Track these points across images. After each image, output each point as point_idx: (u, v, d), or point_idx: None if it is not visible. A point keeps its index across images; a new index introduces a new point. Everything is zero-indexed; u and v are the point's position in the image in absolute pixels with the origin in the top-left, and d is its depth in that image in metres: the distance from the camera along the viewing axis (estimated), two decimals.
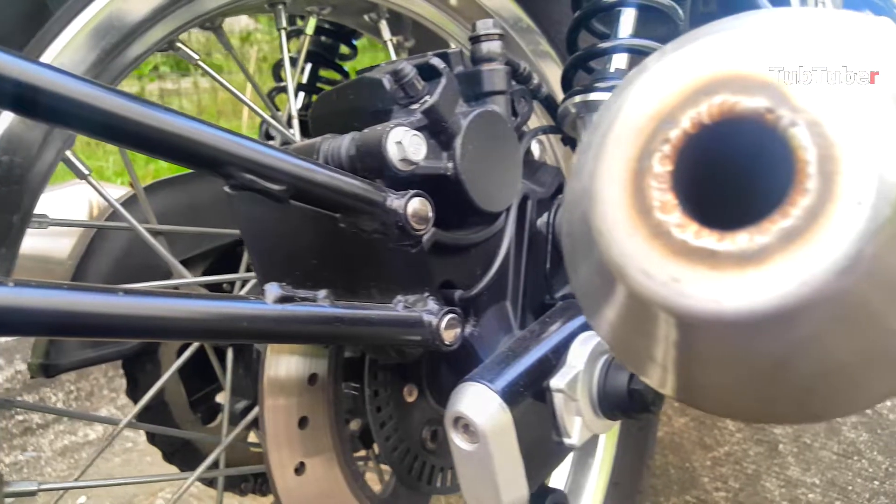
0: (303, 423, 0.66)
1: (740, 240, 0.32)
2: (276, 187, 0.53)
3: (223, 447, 0.75)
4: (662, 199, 0.34)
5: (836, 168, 0.29)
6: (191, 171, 0.91)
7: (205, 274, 0.90)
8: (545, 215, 0.80)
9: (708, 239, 0.33)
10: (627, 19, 0.76)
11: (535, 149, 0.79)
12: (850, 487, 1.62)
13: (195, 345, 0.79)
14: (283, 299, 0.54)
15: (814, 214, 0.30)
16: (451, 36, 0.94)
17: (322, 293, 0.56)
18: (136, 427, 0.79)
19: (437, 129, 0.64)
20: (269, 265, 0.53)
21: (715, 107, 0.33)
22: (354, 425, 0.80)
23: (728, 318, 0.32)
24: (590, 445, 1.16)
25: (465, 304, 0.72)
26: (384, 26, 0.88)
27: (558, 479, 1.18)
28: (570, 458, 1.18)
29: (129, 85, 3.56)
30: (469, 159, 0.66)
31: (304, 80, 1.08)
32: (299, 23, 1.03)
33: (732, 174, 0.36)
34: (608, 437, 1.20)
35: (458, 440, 0.63)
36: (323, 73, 1.09)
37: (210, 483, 0.94)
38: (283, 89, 1.09)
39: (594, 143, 0.38)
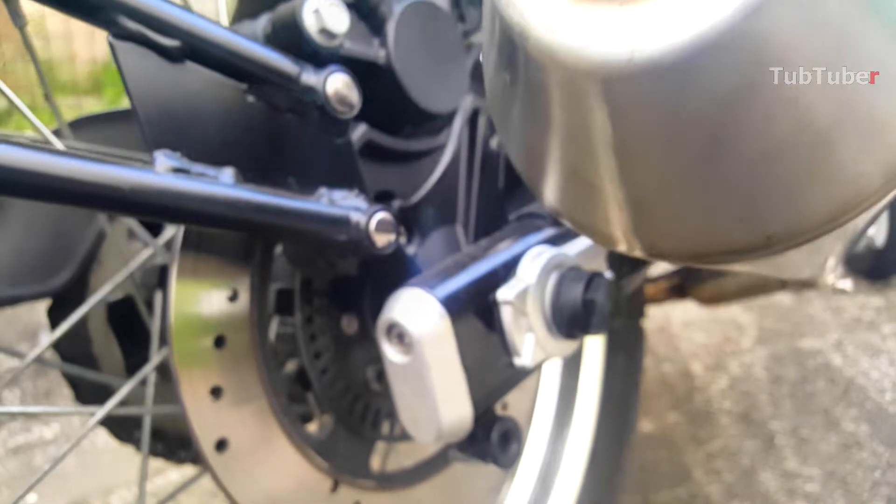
0: (219, 342, 0.58)
1: None
2: (167, 42, 0.46)
3: (134, 383, 0.67)
4: None
5: None
6: (120, 109, 0.84)
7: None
8: (497, 135, 0.73)
9: None
10: None
11: None
12: (850, 478, 1.53)
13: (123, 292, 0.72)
14: (176, 171, 0.47)
15: None
16: None
17: (227, 172, 0.50)
18: (45, 364, 0.72)
19: (365, 10, 0.58)
20: (159, 131, 0.47)
21: None
22: (291, 366, 0.72)
23: (632, 69, 0.26)
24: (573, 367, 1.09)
25: (406, 218, 0.65)
26: None
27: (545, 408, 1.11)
28: (556, 387, 1.11)
29: None
30: (403, 48, 0.60)
31: None
32: None
33: None
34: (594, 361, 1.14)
35: (391, 353, 0.55)
36: None
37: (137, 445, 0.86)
38: None
39: None
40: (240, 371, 0.60)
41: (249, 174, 0.51)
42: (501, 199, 0.73)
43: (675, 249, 0.36)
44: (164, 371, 0.81)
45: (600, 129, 0.31)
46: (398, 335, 0.55)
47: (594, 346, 1.15)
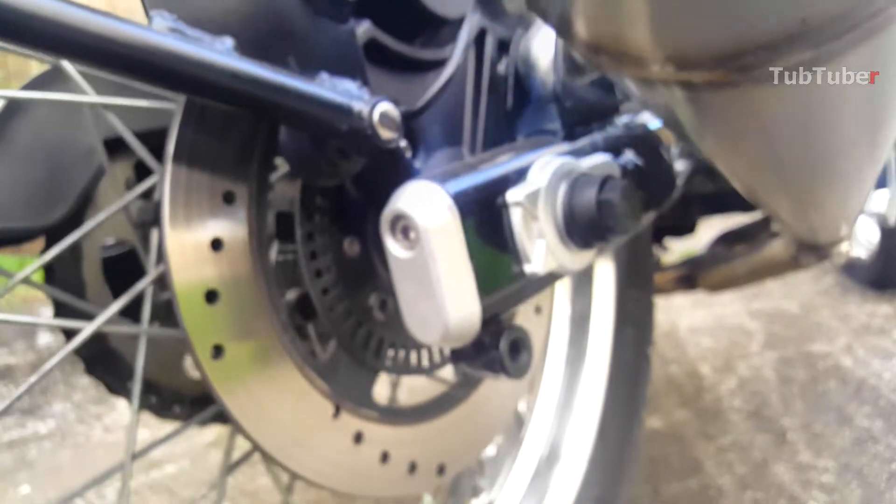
0: (216, 244, 0.56)
1: None
2: None
3: (129, 298, 0.64)
4: None
5: None
6: None
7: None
8: (505, 59, 0.72)
9: None
10: None
11: None
12: (866, 470, 1.49)
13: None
14: (173, 31, 0.45)
15: None
16: None
17: (227, 41, 0.48)
18: (34, 286, 0.69)
19: None
20: None
21: None
22: (292, 295, 0.69)
23: None
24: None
25: (410, 130, 0.63)
26: None
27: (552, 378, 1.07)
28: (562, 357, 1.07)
29: None
30: None
31: None
32: None
33: None
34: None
35: (395, 248, 0.52)
36: None
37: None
38: None
39: None
40: (238, 278, 0.57)
41: (248, 48, 0.49)
42: (510, 123, 0.71)
43: (705, 49, 0.34)
44: (161, 315, 0.78)
45: None
46: (403, 229, 0.52)
47: (603, 319, 1.12)
